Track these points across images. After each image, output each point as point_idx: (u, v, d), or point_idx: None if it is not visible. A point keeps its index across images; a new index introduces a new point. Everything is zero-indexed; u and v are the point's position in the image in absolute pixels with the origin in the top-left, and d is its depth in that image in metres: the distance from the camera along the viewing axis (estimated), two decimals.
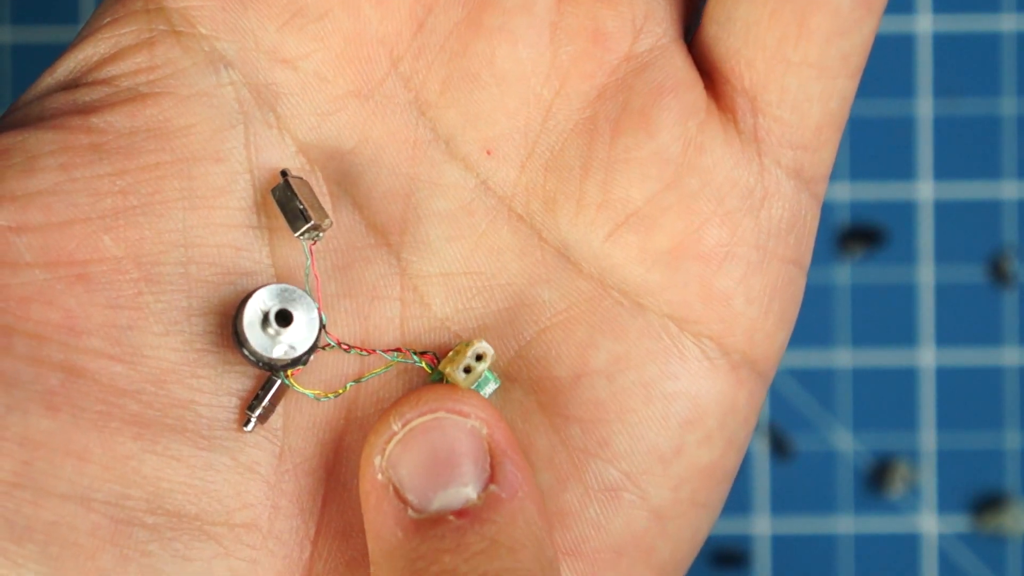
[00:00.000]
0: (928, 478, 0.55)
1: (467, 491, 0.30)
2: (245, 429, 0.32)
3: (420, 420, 0.31)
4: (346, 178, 0.33)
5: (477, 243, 0.33)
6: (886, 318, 0.55)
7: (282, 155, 0.33)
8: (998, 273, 0.55)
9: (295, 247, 0.32)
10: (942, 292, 0.55)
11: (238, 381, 0.32)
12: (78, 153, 0.32)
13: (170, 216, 0.32)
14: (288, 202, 0.32)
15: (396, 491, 0.30)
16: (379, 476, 0.30)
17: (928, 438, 0.55)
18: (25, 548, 0.30)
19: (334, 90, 0.33)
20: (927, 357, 0.55)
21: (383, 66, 0.33)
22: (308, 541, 0.32)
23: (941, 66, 0.55)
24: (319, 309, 0.32)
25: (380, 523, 0.30)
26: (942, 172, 0.56)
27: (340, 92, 0.33)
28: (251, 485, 0.32)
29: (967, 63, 0.56)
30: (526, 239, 0.33)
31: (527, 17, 0.33)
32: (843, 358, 0.55)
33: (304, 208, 0.32)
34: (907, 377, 0.55)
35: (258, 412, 0.32)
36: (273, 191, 0.32)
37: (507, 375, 0.33)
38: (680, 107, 0.33)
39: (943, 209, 0.55)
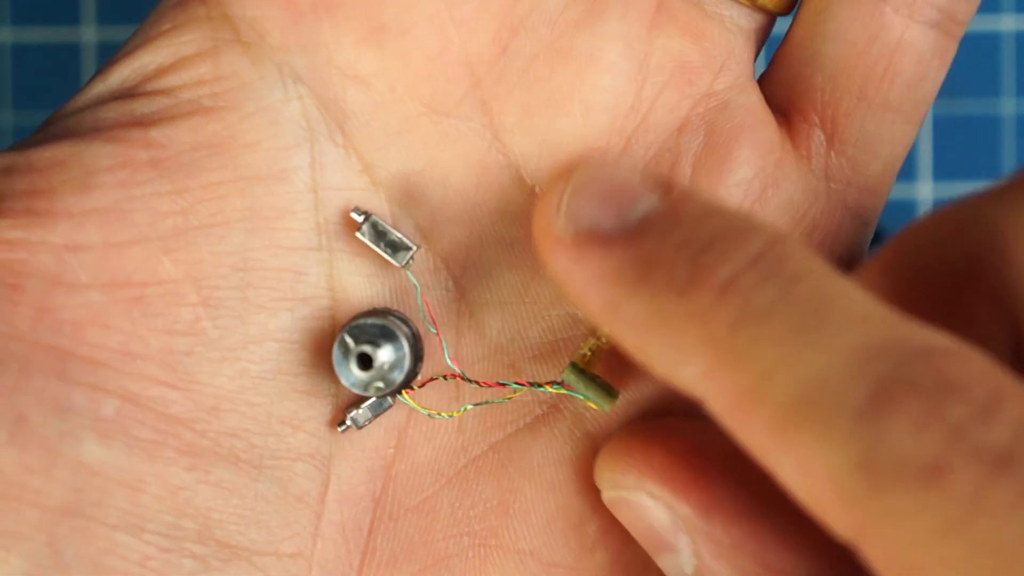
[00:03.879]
0: None
1: (650, 201, 0.28)
2: (338, 429, 0.32)
3: (579, 173, 0.29)
4: (411, 200, 0.32)
5: (537, 272, 0.33)
6: None
7: (347, 175, 0.32)
8: None
9: (353, 271, 0.32)
10: None
11: (291, 410, 0.32)
12: (137, 169, 0.31)
13: (230, 238, 0.31)
14: (383, 236, 0.32)
15: (592, 233, 0.28)
16: (568, 235, 0.28)
17: None
18: None
19: (406, 110, 0.32)
20: None
21: (461, 87, 0.32)
22: (353, 570, 0.32)
23: None
24: (417, 336, 0.32)
25: (592, 264, 0.28)
26: (942, 172, 0.56)
27: (413, 112, 0.32)
28: (299, 515, 0.32)
29: (967, 63, 0.56)
30: None
31: (620, 46, 0.32)
32: None
33: (401, 237, 0.31)
34: None
35: (353, 414, 0.32)
36: (360, 233, 0.32)
37: (555, 407, 0.33)
38: (759, 144, 0.33)
39: None
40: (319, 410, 0.32)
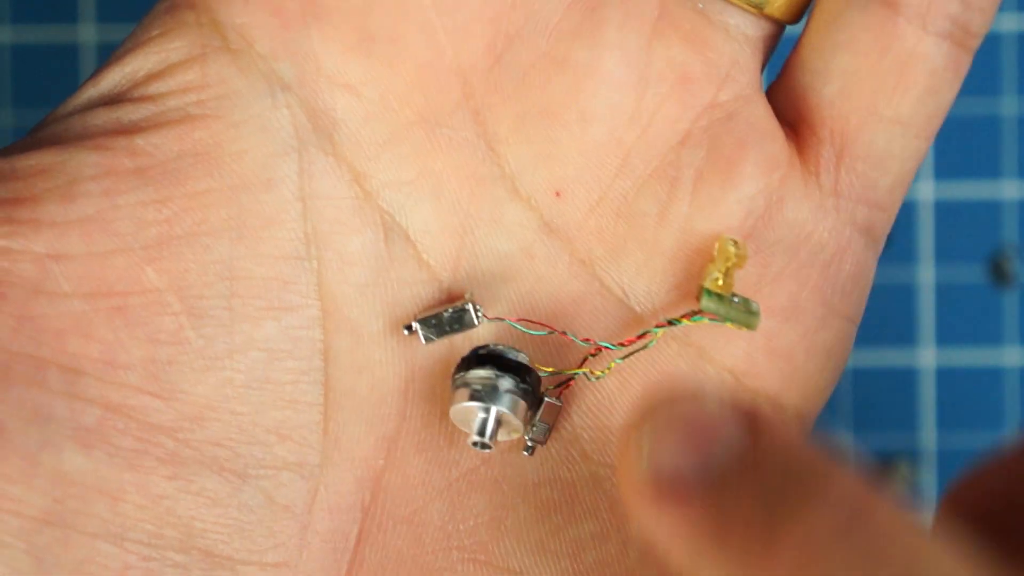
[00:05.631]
0: (928, 478, 0.55)
1: (734, 441, 0.26)
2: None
3: (659, 415, 0.27)
4: (402, 210, 0.32)
5: (534, 286, 0.32)
6: (886, 318, 0.55)
7: (337, 184, 0.32)
8: (998, 273, 0.55)
9: (343, 280, 0.32)
10: (942, 292, 0.55)
11: (277, 420, 0.31)
12: (121, 178, 0.30)
13: (216, 247, 0.31)
14: (442, 323, 0.32)
15: (673, 482, 0.26)
16: (651, 483, 0.26)
17: (928, 438, 0.55)
18: None
19: (398, 119, 0.32)
20: (927, 357, 0.55)
21: (454, 97, 0.32)
22: None
23: None
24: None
25: (675, 520, 0.26)
26: (942, 172, 0.56)
27: (404, 121, 0.32)
28: (284, 525, 0.31)
29: None
30: (586, 285, 0.32)
31: (618, 55, 0.32)
32: None
33: (451, 308, 0.32)
34: (907, 377, 0.55)
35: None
36: (426, 340, 0.32)
37: (556, 424, 0.32)
38: (764, 158, 0.32)
39: (943, 209, 0.55)
40: (307, 419, 0.32)
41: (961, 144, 0.56)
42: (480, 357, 0.32)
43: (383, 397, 0.32)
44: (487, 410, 0.31)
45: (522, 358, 0.32)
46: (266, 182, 0.31)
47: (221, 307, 0.31)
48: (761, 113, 0.32)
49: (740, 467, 0.26)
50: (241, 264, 0.31)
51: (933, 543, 0.24)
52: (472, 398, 0.31)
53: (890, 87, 0.32)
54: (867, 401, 0.55)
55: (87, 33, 0.54)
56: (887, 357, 0.55)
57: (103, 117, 0.31)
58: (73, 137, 0.31)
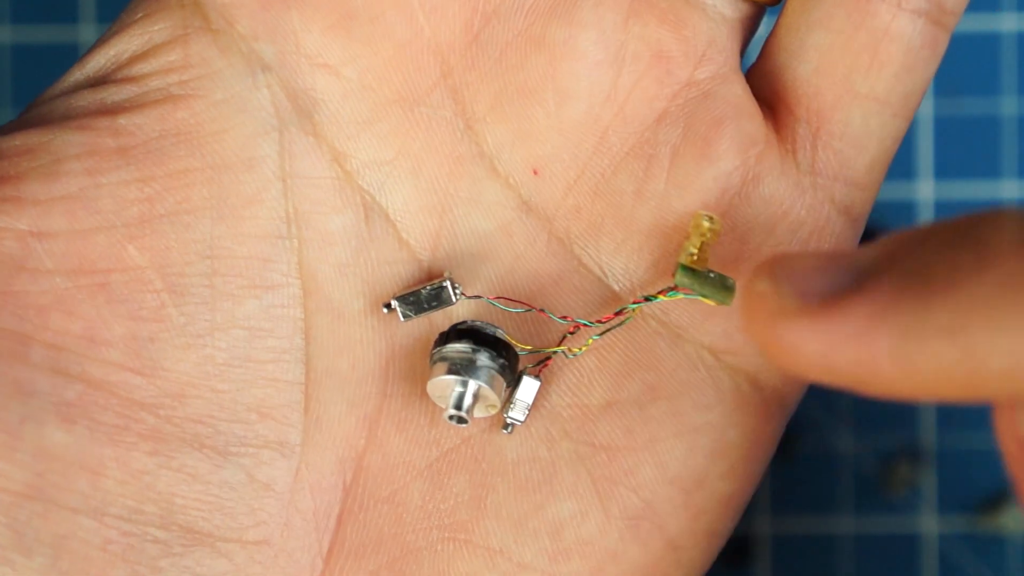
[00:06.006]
0: (928, 478, 0.55)
1: (863, 253, 0.26)
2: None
3: (781, 261, 0.26)
4: (382, 190, 0.32)
5: (513, 265, 0.32)
6: None
7: (317, 163, 0.32)
8: None
9: (323, 260, 0.32)
10: None
11: (258, 397, 0.31)
12: (104, 157, 0.31)
13: (197, 226, 0.31)
14: (419, 300, 0.32)
15: (821, 298, 0.25)
16: (798, 305, 0.26)
17: (928, 438, 0.55)
18: (34, 560, 0.29)
19: (377, 98, 0.32)
20: None
21: (432, 76, 0.32)
22: (320, 559, 0.32)
23: (941, 66, 0.55)
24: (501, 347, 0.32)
25: (848, 330, 0.25)
26: (942, 172, 0.55)
27: (383, 101, 0.32)
28: (265, 502, 0.31)
29: (967, 63, 0.56)
30: (565, 263, 0.33)
31: (594, 33, 0.32)
32: None
33: (429, 286, 0.32)
34: None
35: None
36: (404, 317, 0.32)
37: (535, 402, 0.32)
38: (740, 136, 0.32)
39: (943, 209, 0.55)
40: (288, 397, 0.32)
41: (961, 144, 0.55)
42: (459, 332, 0.32)
43: (364, 376, 0.32)
44: (464, 383, 0.31)
45: (500, 334, 0.32)
46: (247, 161, 0.31)
47: (202, 285, 0.31)
48: (738, 92, 0.33)
49: (886, 260, 0.25)
50: (222, 243, 0.31)
51: None
52: (449, 372, 0.31)
53: (865, 64, 0.32)
54: (867, 401, 0.55)
55: (87, 33, 0.54)
56: None
57: (87, 98, 0.31)
58: (57, 118, 0.31)
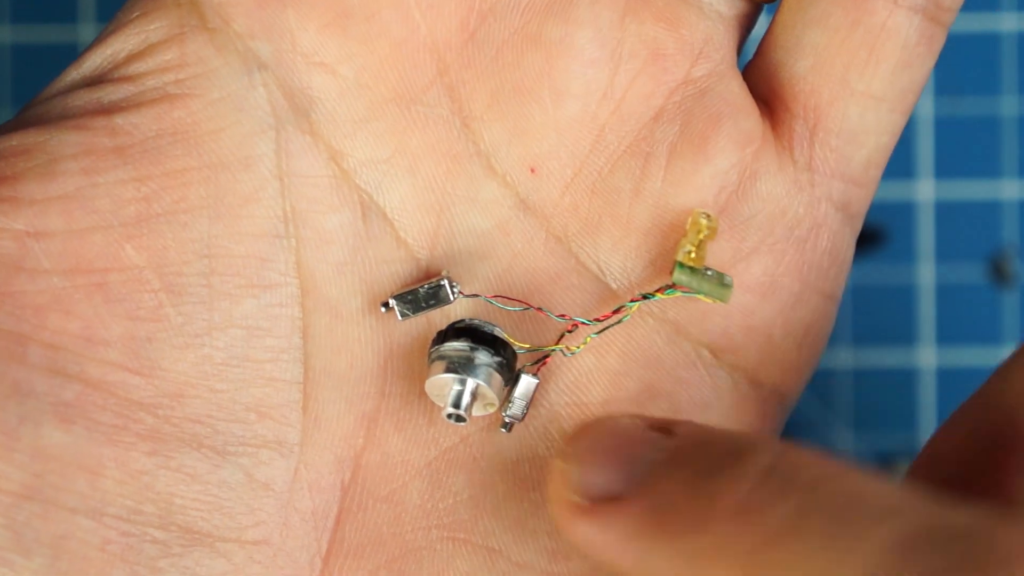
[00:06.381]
0: None
1: (652, 452, 0.28)
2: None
3: (579, 444, 0.29)
4: (379, 188, 0.32)
5: (510, 263, 0.33)
6: (886, 318, 0.55)
7: (314, 162, 0.32)
8: (998, 273, 0.55)
9: (321, 258, 0.32)
10: (942, 292, 0.55)
11: (256, 397, 0.31)
12: (101, 156, 0.31)
13: (194, 225, 0.31)
14: (417, 299, 0.32)
15: (604, 499, 0.28)
16: (583, 502, 0.28)
17: (928, 438, 0.55)
18: (33, 561, 0.29)
19: (373, 97, 0.32)
20: (927, 357, 0.55)
21: (428, 74, 0.32)
22: (319, 558, 0.32)
23: (941, 66, 0.55)
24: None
25: (614, 530, 0.27)
26: (942, 172, 0.56)
27: (379, 99, 0.32)
28: (264, 502, 0.31)
29: (967, 63, 0.56)
30: (562, 262, 0.33)
31: (590, 31, 0.32)
32: (843, 358, 0.55)
33: (427, 284, 0.32)
34: (907, 377, 0.55)
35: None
36: (402, 316, 0.32)
37: (533, 401, 0.32)
38: (737, 133, 0.32)
39: (943, 209, 0.55)
40: (286, 397, 0.32)
41: (961, 144, 0.55)
42: (456, 331, 0.32)
43: (362, 376, 0.32)
44: (462, 382, 0.31)
45: (498, 332, 0.32)
46: (244, 160, 0.31)
47: (200, 284, 0.31)
48: (735, 89, 0.33)
49: (664, 460, 0.27)
50: (219, 242, 0.31)
51: (866, 477, 0.25)
52: (447, 370, 0.31)
53: (861, 61, 0.32)
54: (867, 401, 0.55)
55: (87, 33, 0.54)
56: (887, 357, 0.55)
57: (84, 98, 0.31)
58: (54, 118, 0.31)
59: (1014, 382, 0.28)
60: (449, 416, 0.31)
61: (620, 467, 0.28)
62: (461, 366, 0.31)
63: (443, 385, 0.31)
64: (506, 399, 0.32)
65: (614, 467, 0.28)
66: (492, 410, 0.32)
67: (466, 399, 0.31)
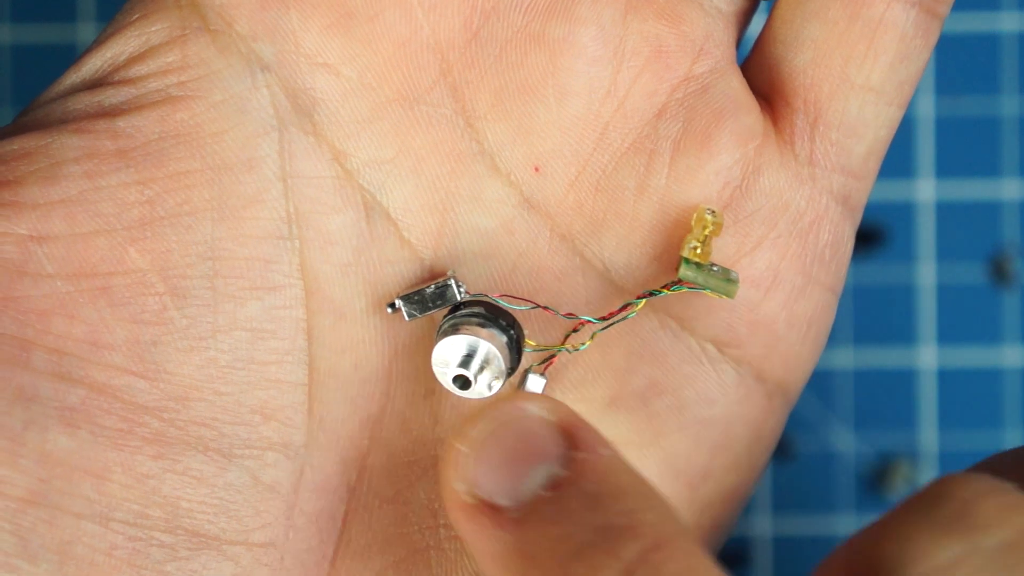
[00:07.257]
0: (928, 478, 0.55)
1: (550, 467, 0.28)
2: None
3: (482, 429, 0.29)
4: (382, 189, 0.32)
5: (515, 262, 0.33)
6: (886, 318, 0.55)
7: (317, 163, 0.32)
8: (998, 273, 0.55)
9: (325, 260, 0.32)
10: (942, 292, 0.55)
11: (261, 399, 0.31)
12: (104, 160, 0.31)
13: (198, 227, 0.31)
14: (424, 299, 0.32)
15: (487, 504, 0.28)
16: (467, 499, 0.28)
17: (928, 438, 0.55)
18: (39, 567, 0.29)
19: (376, 97, 0.32)
20: (927, 357, 0.55)
21: (431, 74, 0.32)
22: (326, 560, 0.32)
23: (941, 66, 0.55)
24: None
25: (485, 540, 0.28)
26: (942, 172, 0.55)
27: (382, 99, 0.32)
28: (271, 504, 0.31)
29: (967, 63, 0.56)
30: (567, 260, 0.33)
31: (593, 30, 0.32)
32: (843, 358, 0.55)
33: (433, 285, 0.32)
34: (907, 377, 0.55)
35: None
36: (409, 317, 0.32)
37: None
38: (740, 129, 0.32)
39: (943, 209, 0.55)
40: (291, 399, 0.32)
41: (961, 144, 0.55)
42: (469, 304, 0.32)
43: (367, 377, 0.32)
44: (473, 344, 0.31)
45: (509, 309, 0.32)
46: (247, 162, 0.31)
47: (204, 287, 0.31)
48: (736, 85, 0.33)
49: (549, 499, 0.27)
50: (223, 244, 0.31)
51: None
52: (458, 332, 0.31)
53: (860, 54, 0.32)
54: (867, 401, 0.55)
55: (87, 33, 0.54)
56: (887, 357, 0.55)
57: (85, 101, 0.31)
58: (55, 121, 0.31)
59: (884, 542, 0.27)
60: (455, 380, 0.31)
61: (511, 479, 0.28)
62: (472, 331, 0.31)
63: (452, 348, 0.31)
64: (509, 375, 0.32)
65: (506, 476, 0.28)
66: (498, 386, 0.32)
67: (475, 363, 0.31)
